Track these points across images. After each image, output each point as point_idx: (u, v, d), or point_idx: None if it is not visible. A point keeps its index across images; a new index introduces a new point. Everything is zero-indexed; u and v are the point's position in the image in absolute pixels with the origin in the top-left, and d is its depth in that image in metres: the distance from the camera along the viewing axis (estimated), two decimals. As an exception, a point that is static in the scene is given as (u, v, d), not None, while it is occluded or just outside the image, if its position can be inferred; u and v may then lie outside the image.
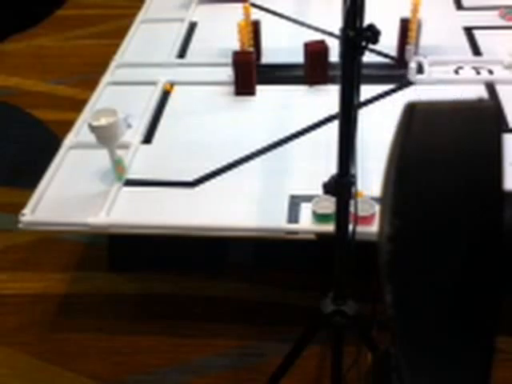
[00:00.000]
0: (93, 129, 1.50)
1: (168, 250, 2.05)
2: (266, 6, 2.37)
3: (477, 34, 2.11)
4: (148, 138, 1.78)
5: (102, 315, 1.87)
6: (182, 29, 2.28)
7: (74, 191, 1.62)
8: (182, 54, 2.16)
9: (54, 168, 1.69)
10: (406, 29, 1.91)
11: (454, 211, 0.44)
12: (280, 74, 2.01)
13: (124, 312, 1.88)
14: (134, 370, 1.71)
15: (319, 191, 1.42)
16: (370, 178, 1.47)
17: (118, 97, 1.96)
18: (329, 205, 1.42)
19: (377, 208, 1.43)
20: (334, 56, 1.86)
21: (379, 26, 0.94)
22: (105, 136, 1.52)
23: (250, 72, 1.89)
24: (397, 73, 1.94)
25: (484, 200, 0.44)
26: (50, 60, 3.18)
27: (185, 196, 1.57)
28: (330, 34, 2.12)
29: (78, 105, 1.98)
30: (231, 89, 1.93)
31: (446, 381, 0.50)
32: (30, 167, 2.38)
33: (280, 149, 1.71)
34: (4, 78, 3.05)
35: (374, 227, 1.40)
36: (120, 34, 2.31)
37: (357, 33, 0.92)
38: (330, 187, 1.13)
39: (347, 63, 0.97)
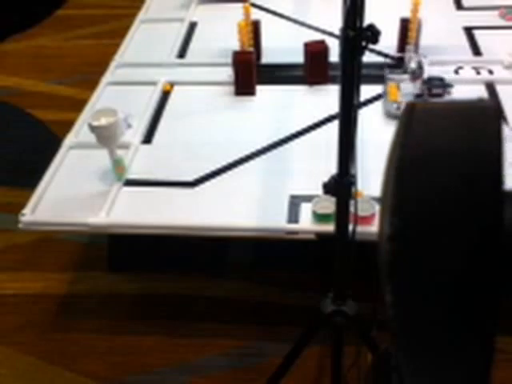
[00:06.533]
0: (93, 129, 1.50)
1: (168, 250, 2.06)
2: (266, 5, 2.37)
3: (477, 33, 2.12)
4: (148, 138, 1.78)
5: (101, 315, 1.87)
6: (182, 29, 2.28)
7: (73, 191, 1.62)
8: (182, 53, 2.16)
9: (53, 168, 1.69)
10: (406, 29, 1.91)
11: (454, 211, 0.44)
12: (280, 74, 2.01)
13: (124, 312, 1.88)
14: (133, 370, 1.71)
15: (319, 191, 1.41)
16: (370, 178, 1.47)
17: (118, 97, 1.96)
18: (329, 205, 1.42)
19: (377, 208, 1.43)
20: (334, 56, 1.86)
21: (379, 26, 0.94)
22: (105, 136, 1.52)
23: (250, 72, 1.89)
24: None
25: (484, 200, 0.44)
26: (49, 60, 3.18)
27: (185, 196, 1.57)
28: (330, 34, 2.12)
29: (78, 105, 1.98)
30: (231, 89, 1.93)
31: (446, 381, 0.50)
32: (30, 167, 2.37)
33: (280, 149, 1.71)
34: (4, 78, 3.05)
35: (374, 227, 1.40)
36: (120, 34, 2.31)
37: (357, 33, 0.92)
38: (329, 187, 1.13)
39: (347, 63, 0.97)
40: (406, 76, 1.80)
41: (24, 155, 2.53)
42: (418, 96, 1.74)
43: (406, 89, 1.76)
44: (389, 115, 1.75)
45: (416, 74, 1.76)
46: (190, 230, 1.50)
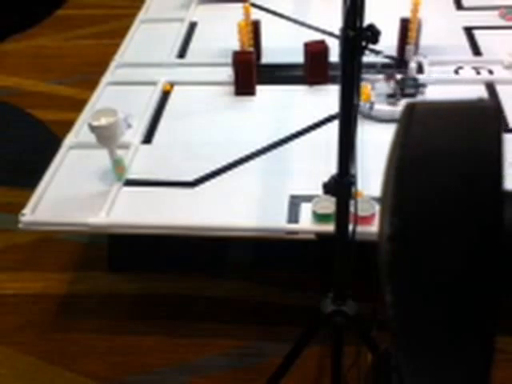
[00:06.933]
0: (93, 129, 1.50)
1: (168, 250, 2.06)
2: (266, 5, 2.37)
3: (477, 33, 2.11)
4: (148, 138, 1.78)
5: (101, 315, 1.87)
6: (182, 29, 2.28)
7: (73, 191, 1.62)
8: (182, 53, 2.16)
9: (53, 168, 1.69)
10: (406, 29, 1.91)
11: (453, 211, 0.44)
12: (280, 74, 2.01)
13: (124, 312, 1.88)
14: (133, 370, 1.71)
15: (319, 191, 1.42)
16: (370, 178, 1.47)
17: (118, 97, 1.96)
18: (329, 205, 1.42)
19: (377, 208, 1.43)
20: (334, 56, 1.86)
21: (379, 26, 0.94)
22: (105, 136, 1.52)
23: (250, 72, 1.89)
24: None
25: (484, 200, 0.44)
26: (50, 60, 3.18)
27: (185, 196, 1.57)
28: (330, 34, 2.12)
29: (78, 105, 1.98)
30: (231, 89, 1.93)
31: (446, 381, 0.50)
32: (30, 167, 2.37)
33: (280, 149, 1.71)
34: (4, 78, 3.05)
35: (374, 227, 1.40)
36: (120, 33, 2.32)
37: (357, 33, 0.92)
38: (329, 187, 1.13)
39: (347, 63, 0.97)
40: (380, 76, 1.80)
41: (24, 155, 2.53)
42: (391, 96, 1.74)
43: (379, 89, 1.77)
44: (362, 115, 1.76)
45: (389, 74, 1.77)
46: (189, 230, 1.50)
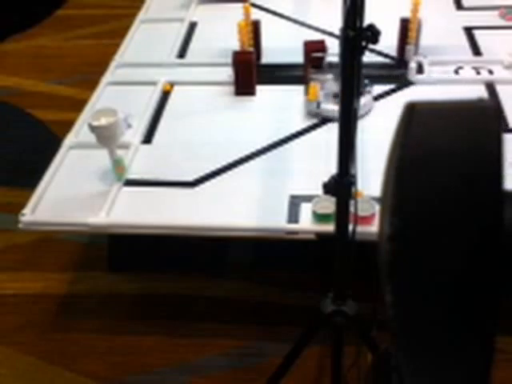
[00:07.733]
0: (93, 129, 1.50)
1: (168, 250, 2.06)
2: (266, 5, 2.37)
3: (477, 33, 2.11)
4: (148, 138, 1.78)
5: (101, 315, 1.87)
6: (182, 29, 2.28)
7: (73, 191, 1.62)
8: (182, 53, 2.16)
9: (53, 168, 1.69)
10: (406, 29, 1.91)
11: (453, 211, 0.44)
12: (280, 74, 2.01)
13: (124, 312, 1.88)
14: (133, 370, 1.71)
15: (319, 191, 1.42)
16: (370, 178, 1.47)
17: (118, 97, 1.96)
18: (329, 205, 1.42)
19: (377, 208, 1.43)
20: (334, 56, 1.86)
21: (379, 26, 0.94)
22: (105, 136, 1.52)
23: (250, 72, 1.89)
24: (397, 73, 1.94)
25: (484, 200, 0.44)
26: (50, 60, 3.18)
27: (185, 196, 1.57)
28: (330, 34, 2.12)
29: (78, 105, 1.98)
30: (231, 89, 1.93)
31: (446, 381, 0.50)
32: (30, 167, 2.37)
33: (280, 149, 1.71)
34: (4, 78, 3.05)
35: (374, 227, 1.40)
36: (120, 33, 2.32)
37: (357, 33, 0.92)
38: (329, 187, 1.13)
39: (347, 63, 0.97)
40: (329, 76, 1.81)
41: (24, 155, 2.53)
42: (337, 95, 1.75)
43: (328, 88, 1.78)
44: (310, 114, 1.79)
45: (337, 74, 1.78)
46: (189, 230, 1.50)
